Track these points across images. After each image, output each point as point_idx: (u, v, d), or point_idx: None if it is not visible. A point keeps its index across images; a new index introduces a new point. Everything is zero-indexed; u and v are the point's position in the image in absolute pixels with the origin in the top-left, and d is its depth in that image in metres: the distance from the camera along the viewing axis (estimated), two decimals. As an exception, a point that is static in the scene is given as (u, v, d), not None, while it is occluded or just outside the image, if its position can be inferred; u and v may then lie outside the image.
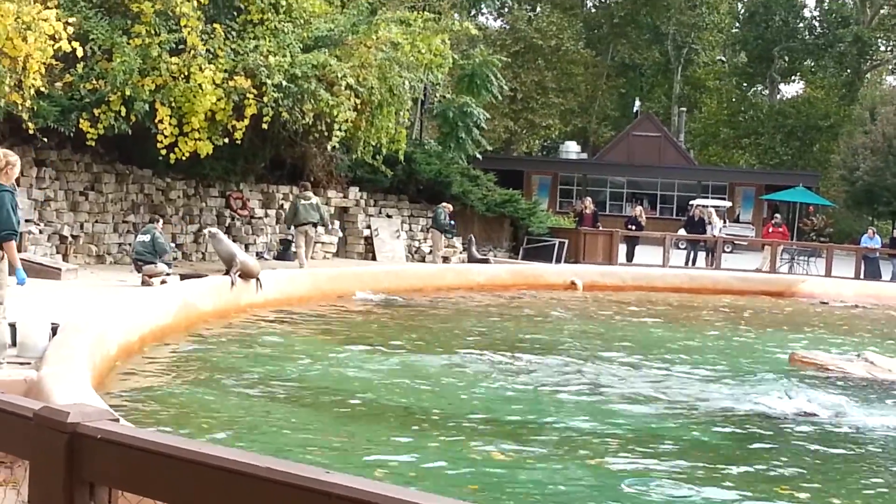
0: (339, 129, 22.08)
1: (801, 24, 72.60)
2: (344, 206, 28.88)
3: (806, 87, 75.91)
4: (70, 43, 18.35)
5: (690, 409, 11.41)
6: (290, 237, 24.80)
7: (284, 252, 25.70)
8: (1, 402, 3.14)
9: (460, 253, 30.02)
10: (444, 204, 28.30)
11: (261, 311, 16.88)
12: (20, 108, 18.27)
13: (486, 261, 28.07)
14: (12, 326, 10.74)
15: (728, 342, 17.53)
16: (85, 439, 2.79)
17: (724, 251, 35.92)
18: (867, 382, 13.74)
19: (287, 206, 25.26)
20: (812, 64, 73.91)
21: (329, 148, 24.49)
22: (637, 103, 70.28)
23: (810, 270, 32.56)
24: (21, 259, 10.64)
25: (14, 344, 10.67)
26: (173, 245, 22.65)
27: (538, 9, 70.28)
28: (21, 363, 10.04)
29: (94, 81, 20.05)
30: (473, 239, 29.25)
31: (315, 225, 23.42)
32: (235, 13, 22.34)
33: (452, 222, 28.30)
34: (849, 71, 70.17)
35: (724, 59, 76.13)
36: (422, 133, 35.33)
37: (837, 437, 10.60)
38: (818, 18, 73.03)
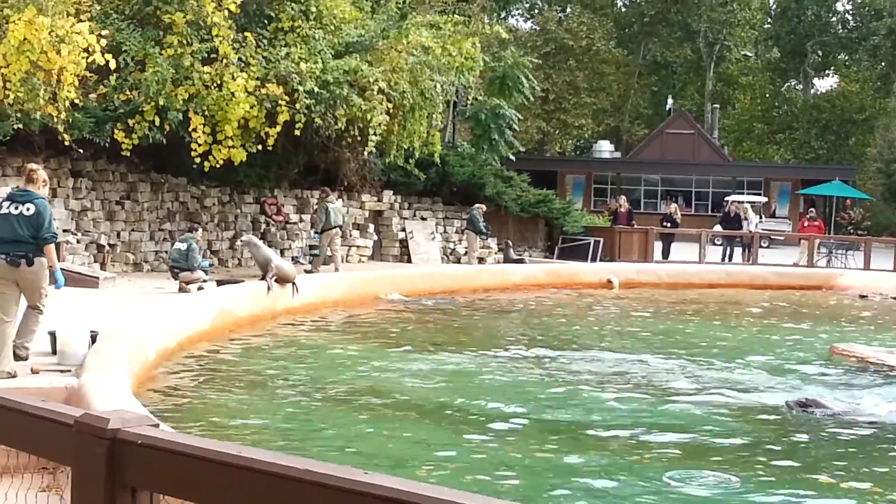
0: (374, 134, 22.11)
1: (834, 19, 72.09)
2: (378, 210, 28.92)
3: (840, 81, 75.34)
4: (103, 55, 18.48)
5: (732, 404, 11.36)
6: (317, 242, 24.50)
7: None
8: (42, 410, 3.17)
9: (495, 254, 30.01)
10: (478, 205, 28.31)
11: (297, 316, 16.95)
12: (55, 120, 18.42)
13: (521, 261, 28.04)
14: (52, 335, 10.84)
15: (767, 337, 17.42)
16: (126, 445, 2.81)
17: (761, 246, 35.69)
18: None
19: (318, 212, 24.97)
20: (846, 58, 73.36)
21: (366, 153, 24.50)
22: (669, 101, 69.96)
23: (848, 264, 32.29)
24: (59, 268, 10.83)
25: (54, 352, 10.76)
26: (209, 254, 22.73)
27: (568, 9, 70.13)
28: (61, 371, 10.12)
29: (128, 92, 20.17)
30: (510, 243, 29.26)
31: (342, 227, 23.52)
32: (266, 21, 22.42)
33: (486, 224, 28.31)
34: (883, 64, 69.56)
35: (750, 54, 75.54)
36: (454, 135, 35.33)
37: (880, 428, 10.52)
38: (851, 12, 72.50)
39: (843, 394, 12.08)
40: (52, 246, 10.24)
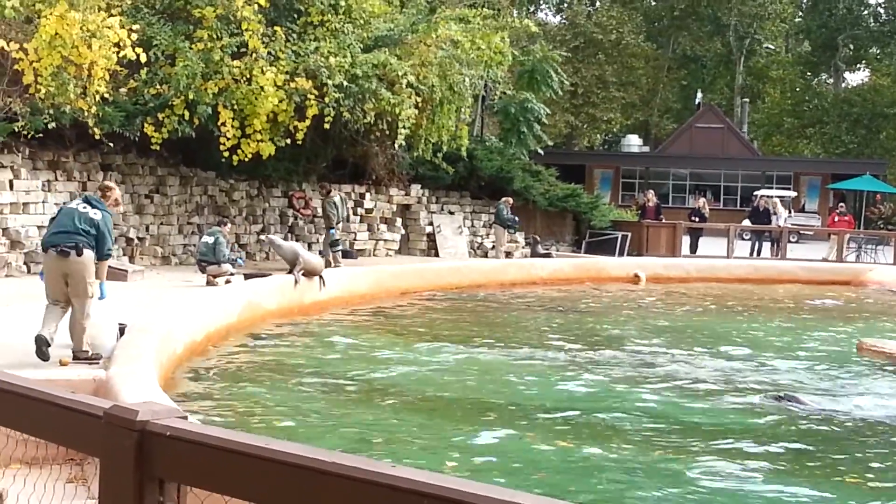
0: (404, 128, 22.12)
1: (866, 12, 71.56)
2: (406, 204, 28.93)
3: (871, 75, 74.77)
4: (134, 50, 18.57)
5: (754, 400, 11.31)
6: (336, 236, 24.24)
7: (347, 251, 25.70)
8: (72, 402, 3.19)
9: (522, 248, 29.98)
10: (505, 198, 28.29)
11: (325, 309, 16.98)
12: (86, 114, 18.52)
13: (548, 255, 28.01)
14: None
15: (795, 332, 17.35)
16: (154, 437, 2.83)
17: (790, 241, 35.51)
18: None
19: (328, 207, 24.38)
20: (877, 52, 72.83)
21: (396, 147, 24.49)
22: (699, 95, 69.65)
23: (878, 259, 32.08)
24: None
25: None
26: (237, 248, 22.78)
27: (597, 3, 69.96)
28: (89, 364, 10.19)
29: (158, 86, 20.23)
30: (537, 238, 29.25)
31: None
32: (296, 15, 22.46)
33: (515, 217, 28.31)
34: (915, 58, 69.08)
35: (772, 46, 74.99)
36: (483, 129, 35.31)
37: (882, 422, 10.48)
38: (883, 5, 71.95)
39: (855, 388, 12.03)
40: (107, 262, 10.77)
